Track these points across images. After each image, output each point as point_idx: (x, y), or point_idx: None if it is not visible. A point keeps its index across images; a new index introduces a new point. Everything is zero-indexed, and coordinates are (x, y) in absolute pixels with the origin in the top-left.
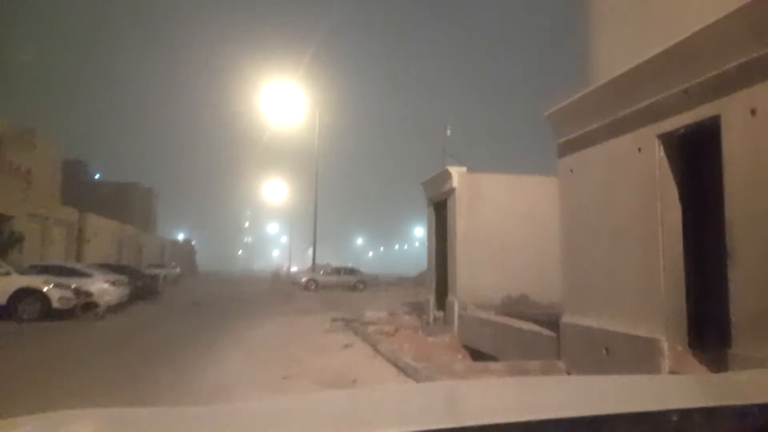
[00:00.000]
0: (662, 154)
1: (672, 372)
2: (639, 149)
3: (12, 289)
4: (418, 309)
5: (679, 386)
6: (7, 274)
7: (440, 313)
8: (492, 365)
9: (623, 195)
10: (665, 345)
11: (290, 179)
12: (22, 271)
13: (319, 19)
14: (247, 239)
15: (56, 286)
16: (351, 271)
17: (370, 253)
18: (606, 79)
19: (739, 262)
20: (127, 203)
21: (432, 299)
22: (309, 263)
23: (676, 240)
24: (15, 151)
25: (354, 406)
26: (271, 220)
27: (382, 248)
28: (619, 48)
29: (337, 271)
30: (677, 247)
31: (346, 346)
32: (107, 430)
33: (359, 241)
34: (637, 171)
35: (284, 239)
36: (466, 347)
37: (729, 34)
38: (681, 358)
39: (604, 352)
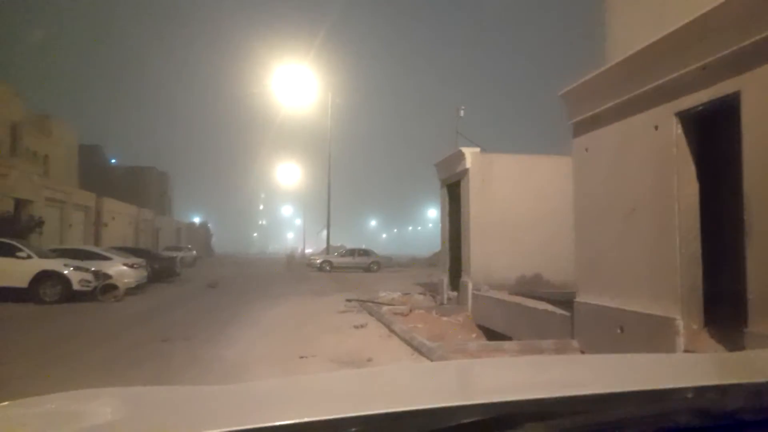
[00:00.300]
0: (680, 131)
1: (687, 351)
2: (656, 127)
3: (33, 272)
4: (431, 289)
5: (694, 364)
6: (28, 257)
7: (454, 294)
8: (506, 344)
9: (639, 173)
10: (680, 323)
11: (303, 162)
12: (42, 255)
13: (330, 3)
14: (262, 222)
15: (76, 269)
16: (365, 253)
17: (384, 235)
18: (623, 57)
19: (756, 239)
20: (143, 187)
21: (446, 280)
22: (323, 245)
23: (693, 218)
24: (32, 137)
25: (369, 385)
26: (285, 202)
27: (395, 230)
28: (636, 26)
29: (351, 252)
30: (694, 224)
31: (361, 326)
32: (126, 408)
33: (373, 222)
34: (654, 149)
35: (298, 222)
36: (480, 327)
37: (749, 8)
38: (696, 337)
39: (618, 331)
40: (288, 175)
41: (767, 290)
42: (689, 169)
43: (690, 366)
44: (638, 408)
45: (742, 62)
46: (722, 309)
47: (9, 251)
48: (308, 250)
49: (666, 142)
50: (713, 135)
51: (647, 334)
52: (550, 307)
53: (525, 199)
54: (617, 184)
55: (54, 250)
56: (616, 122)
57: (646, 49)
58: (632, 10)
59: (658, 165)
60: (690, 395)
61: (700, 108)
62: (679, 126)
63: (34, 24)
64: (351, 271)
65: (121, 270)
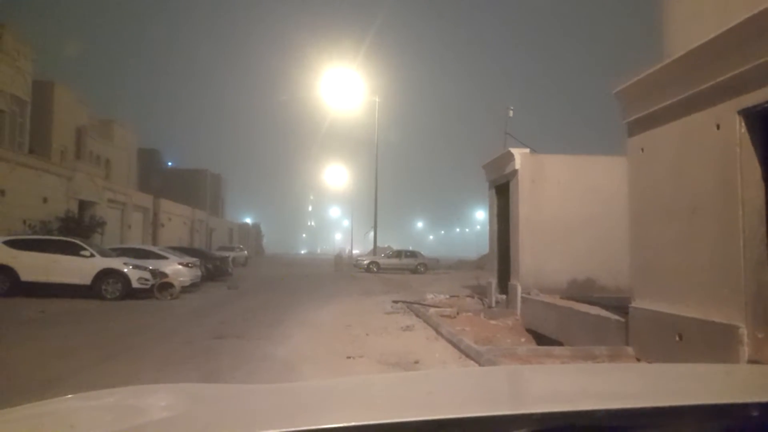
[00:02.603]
0: (743, 130)
1: (752, 361)
2: (717, 126)
3: (96, 270)
4: (479, 292)
5: (760, 377)
6: (92, 256)
7: (502, 297)
8: (556, 350)
9: (699, 174)
10: (744, 332)
11: (351, 164)
12: (104, 254)
13: (378, 5)
14: (311, 223)
15: (135, 267)
16: (411, 254)
17: (431, 237)
18: (682, 52)
19: None
20: (197, 189)
21: (494, 282)
22: (370, 246)
23: (759, 220)
24: (96, 141)
25: (416, 390)
26: (333, 204)
27: (442, 231)
28: (696, 20)
29: (398, 254)
30: (760, 227)
31: (408, 328)
32: (182, 404)
33: (419, 224)
34: (715, 149)
35: (346, 223)
36: (530, 331)
37: None
38: (762, 346)
39: (676, 338)
40: (336, 176)
41: None
42: (754, 170)
43: (755, 378)
44: (698, 425)
45: None
46: None
47: (74, 250)
48: (355, 251)
49: (729, 141)
50: None
51: (708, 343)
52: (603, 312)
53: (576, 201)
54: (676, 185)
55: (114, 249)
56: (674, 121)
57: (706, 44)
58: (692, 3)
59: (720, 165)
60: (756, 413)
61: (766, 105)
62: (743, 124)
63: (93, 32)
64: (398, 272)
65: (176, 269)
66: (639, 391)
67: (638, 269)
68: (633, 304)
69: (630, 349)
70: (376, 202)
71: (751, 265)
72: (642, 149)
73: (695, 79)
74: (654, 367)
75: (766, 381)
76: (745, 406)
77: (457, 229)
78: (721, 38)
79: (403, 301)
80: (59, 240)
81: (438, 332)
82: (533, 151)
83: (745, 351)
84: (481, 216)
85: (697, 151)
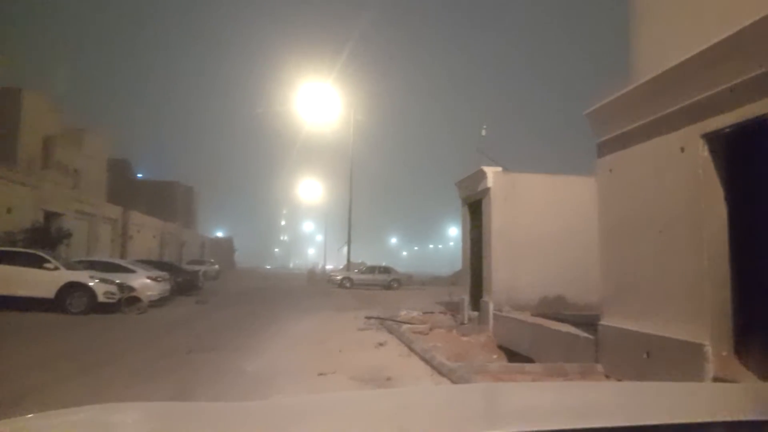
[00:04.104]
0: (706, 153)
1: (717, 378)
2: (682, 149)
3: (60, 283)
4: (452, 308)
5: (724, 395)
6: (56, 269)
7: (475, 313)
8: (528, 366)
9: (666, 195)
10: (709, 349)
11: (325, 179)
12: (69, 267)
13: (355, 20)
14: (284, 237)
15: (101, 281)
16: (385, 270)
17: (405, 252)
18: (649, 77)
19: None
20: (168, 201)
21: (467, 299)
22: (344, 261)
23: (722, 241)
24: (64, 151)
25: (389, 406)
26: (307, 218)
27: (416, 247)
28: (661, 46)
29: (372, 269)
30: (723, 248)
31: (381, 344)
32: (148, 424)
33: (393, 240)
34: (680, 171)
35: (319, 237)
36: (502, 348)
37: None
38: (726, 364)
39: (644, 355)
40: (310, 191)
41: None
42: (717, 192)
43: (720, 397)
44: None
45: None
46: (755, 335)
47: (37, 262)
48: (329, 266)
49: (692, 164)
50: (746, 157)
51: (674, 360)
52: (573, 330)
53: (548, 219)
54: (643, 206)
55: (80, 262)
56: (641, 143)
57: (671, 69)
58: (658, 31)
59: (685, 187)
60: (721, 430)
61: (728, 130)
62: (706, 148)
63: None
64: (371, 288)
65: (144, 283)
66: (607, 409)
67: (607, 287)
68: (602, 322)
69: (599, 366)
70: (350, 217)
71: (716, 284)
72: (611, 170)
73: (661, 103)
74: (622, 385)
75: (731, 400)
76: (708, 426)
77: (431, 245)
78: (685, 65)
79: (377, 317)
80: (22, 252)
81: (411, 349)
82: (506, 169)
83: (711, 368)
84: (454, 232)
85: (663, 172)
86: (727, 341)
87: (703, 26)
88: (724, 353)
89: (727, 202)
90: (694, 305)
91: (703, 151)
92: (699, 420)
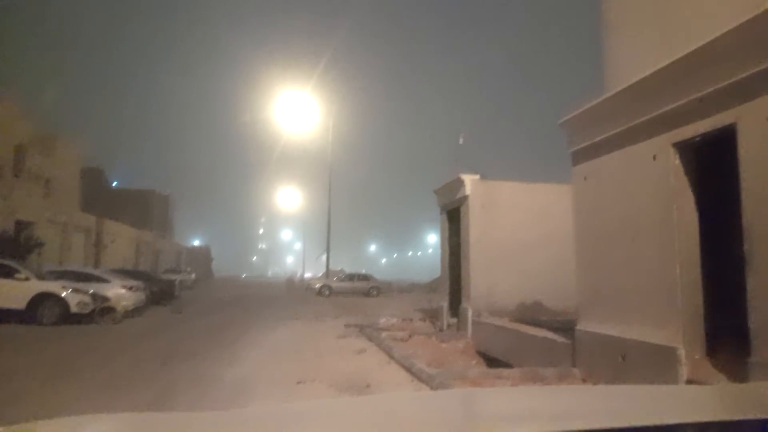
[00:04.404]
0: (677, 161)
1: (689, 380)
2: (654, 157)
3: (31, 294)
4: (431, 315)
5: (695, 397)
6: (27, 279)
7: (454, 320)
8: (506, 372)
9: (639, 202)
10: (682, 353)
11: (304, 186)
12: (41, 277)
13: (334, 28)
14: (262, 246)
15: (74, 291)
16: (364, 278)
17: (384, 260)
18: (620, 87)
19: (757, 268)
20: (144, 210)
21: (445, 306)
22: (323, 269)
23: (693, 247)
24: (36, 159)
25: (368, 414)
26: (285, 226)
27: (395, 255)
28: (635, 56)
29: (351, 277)
30: (694, 253)
31: (360, 352)
32: None
33: (372, 247)
34: (652, 178)
35: (298, 246)
36: (480, 354)
37: (744, 41)
38: (698, 366)
39: (620, 359)
40: (289, 199)
41: None
42: (688, 199)
43: (692, 399)
44: None
45: (737, 94)
46: (726, 339)
47: (7, 273)
48: (307, 275)
49: (664, 171)
50: (716, 165)
51: (649, 363)
52: (550, 335)
53: (526, 226)
54: (617, 213)
55: (52, 272)
56: (614, 151)
57: (643, 80)
58: (631, 41)
59: (657, 194)
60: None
61: (698, 139)
62: (677, 156)
63: (37, 45)
64: (350, 295)
65: (119, 293)
66: (584, 412)
67: (583, 293)
68: (579, 327)
69: (576, 371)
70: (329, 224)
71: (688, 288)
72: (585, 177)
73: (632, 113)
74: (598, 389)
75: (702, 401)
76: (682, 427)
77: (410, 252)
78: (656, 76)
79: (356, 325)
80: None
81: (390, 356)
82: (484, 177)
83: (684, 371)
84: (433, 239)
85: (635, 180)
86: (700, 345)
87: (671, 39)
88: (697, 356)
89: (698, 208)
90: (667, 310)
91: (675, 160)
92: (673, 421)
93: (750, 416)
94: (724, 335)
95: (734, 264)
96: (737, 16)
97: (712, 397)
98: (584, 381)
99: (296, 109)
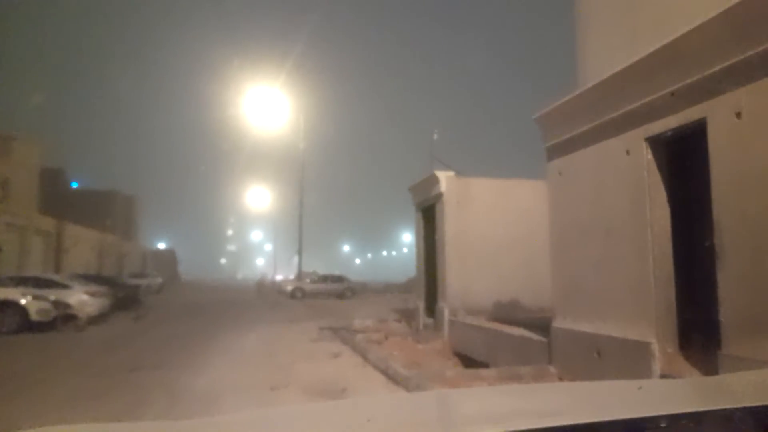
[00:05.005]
0: (650, 156)
1: (663, 374)
2: (627, 152)
3: None
4: (407, 316)
5: (668, 390)
6: None
7: (430, 320)
8: (483, 372)
9: (612, 198)
10: (656, 347)
11: (274, 186)
12: None
13: (303, 23)
14: (231, 248)
15: (34, 298)
16: (338, 279)
17: (358, 260)
18: (593, 83)
19: (727, 262)
20: (107, 212)
21: (421, 306)
22: (295, 271)
23: (666, 241)
24: None
25: (343, 418)
26: (255, 227)
27: (369, 255)
28: (608, 51)
29: (324, 278)
30: (667, 248)
31: (335, 355)
32: None
33: (346, 248)
34: (626, 173)
35: (268, 247)
36: (457, 354)
37: (713, 37)
38: (672, 360)
39: (595, 355)
40: (258, 199)
41: (739, 313)
42: (660, 194)
43: (665, 392)
44: None
45: (707, 89)
46: (698, 332)
47: None
48: (279, 277)
49: (637, 166)
50: (687, 160)
51: (624, 359)
52: (527, 333)
53: (502, 223)
54: (591, 208)
55: (11, 278)
56: (588, 147)
57: (616, 75)
58: (603, 37)
59: (631, 189)
60: (664, 424)
61: (670, 134)
62: (650, 151)
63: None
64: (324, 297)
65: (81, 299)
66: (560, 409)
67: (558, 290)
68: (554, 324)
69: (552, 368)
70: (301, 224)
71: (661, 283)
72: (560, 173)
73: (606, 108)
74: (574, 385)
75: (674, 394)
76: (655, 419)
77: (385, 253)
78: (627, 71)
79: (330, 328)
80: None
81: (365, 358)
82: (460, 173)
83: (657, 365)
84: (408, 239)
85: (609, 175)
86: (672, 339)
87: (643, 34)
88: (670, 350)
89: (670, 203)
90: (640, 305)
91: (648, 154)
92: (648, 414)
93: (721, 406)
94: (696, 329)
95: (705, 258)
96: (707, 11)
97: (685, 389)
98: (560, 378)
99: (266, 105)
